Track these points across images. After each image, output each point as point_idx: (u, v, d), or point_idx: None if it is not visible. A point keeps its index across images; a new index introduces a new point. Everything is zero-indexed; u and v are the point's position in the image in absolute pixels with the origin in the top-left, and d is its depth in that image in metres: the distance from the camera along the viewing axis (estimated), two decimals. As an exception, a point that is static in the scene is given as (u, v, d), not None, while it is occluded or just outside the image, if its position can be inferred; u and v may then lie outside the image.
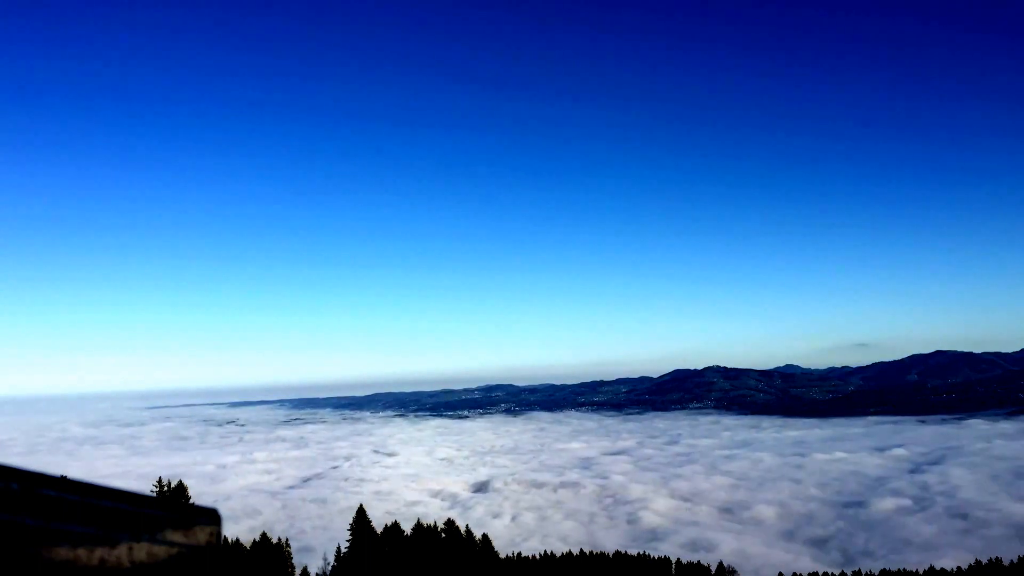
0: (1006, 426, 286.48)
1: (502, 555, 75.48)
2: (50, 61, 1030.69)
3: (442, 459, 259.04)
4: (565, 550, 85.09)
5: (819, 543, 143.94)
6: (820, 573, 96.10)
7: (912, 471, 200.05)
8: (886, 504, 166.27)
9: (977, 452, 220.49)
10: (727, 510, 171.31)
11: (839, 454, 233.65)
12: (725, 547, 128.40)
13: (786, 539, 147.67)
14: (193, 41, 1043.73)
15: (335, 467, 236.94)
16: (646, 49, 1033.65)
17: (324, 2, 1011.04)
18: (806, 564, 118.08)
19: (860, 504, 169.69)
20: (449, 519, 71.37)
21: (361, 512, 66.51)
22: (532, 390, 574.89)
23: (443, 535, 67.39)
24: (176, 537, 1.74)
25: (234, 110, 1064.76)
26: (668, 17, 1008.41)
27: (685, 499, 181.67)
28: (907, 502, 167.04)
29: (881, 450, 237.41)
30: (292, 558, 64.18)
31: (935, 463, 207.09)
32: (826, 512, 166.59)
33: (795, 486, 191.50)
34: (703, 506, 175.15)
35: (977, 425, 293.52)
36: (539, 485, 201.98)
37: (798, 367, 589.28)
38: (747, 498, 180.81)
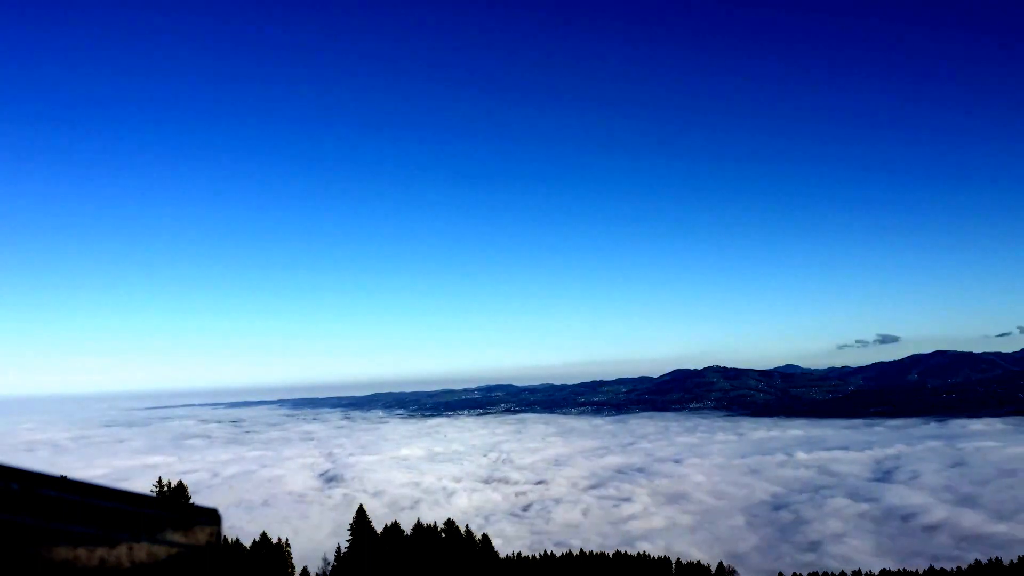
0: (1001, 427, 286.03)
1: (502, 555, 75.46)
2: (50, 63, 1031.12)
3: (439, 459, 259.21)
4: (565, 550, 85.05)
5: (726, 543, 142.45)
6: (820, 574, 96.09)
7: (878, 474, 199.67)
8: (831, 506, 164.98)
9: (955, 454, 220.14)
10: (636, 513, 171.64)
11: (803, 455, 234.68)
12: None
13: (691, 543, 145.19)
14: (190, 44, 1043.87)
15: (334, 467, 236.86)
16: (644, 51, 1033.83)
17: (322, 6, 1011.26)
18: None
19: (790, 506, 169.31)
20: (449, 519, 71.33)
21: (361, 512, 66.51)
22: (532, 390, 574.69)
23: (443, 535, 67.37)
24: (176, 537, 1.74)
25: (239, 115, 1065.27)
26: (664, 19, 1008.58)
27: (605, 500, 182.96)
28: (847, 504, 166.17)
29: (855, 450, 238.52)
30: (292, 558, 64.14)
31: (907, 465, 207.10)
32: (747, 516, 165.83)
33: (737, 489, 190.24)
34: (619, 508, 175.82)
35: (970, 426, 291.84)
36: (489, 482, 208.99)
37: (798, 367, 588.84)
38: (678, 498, 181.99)
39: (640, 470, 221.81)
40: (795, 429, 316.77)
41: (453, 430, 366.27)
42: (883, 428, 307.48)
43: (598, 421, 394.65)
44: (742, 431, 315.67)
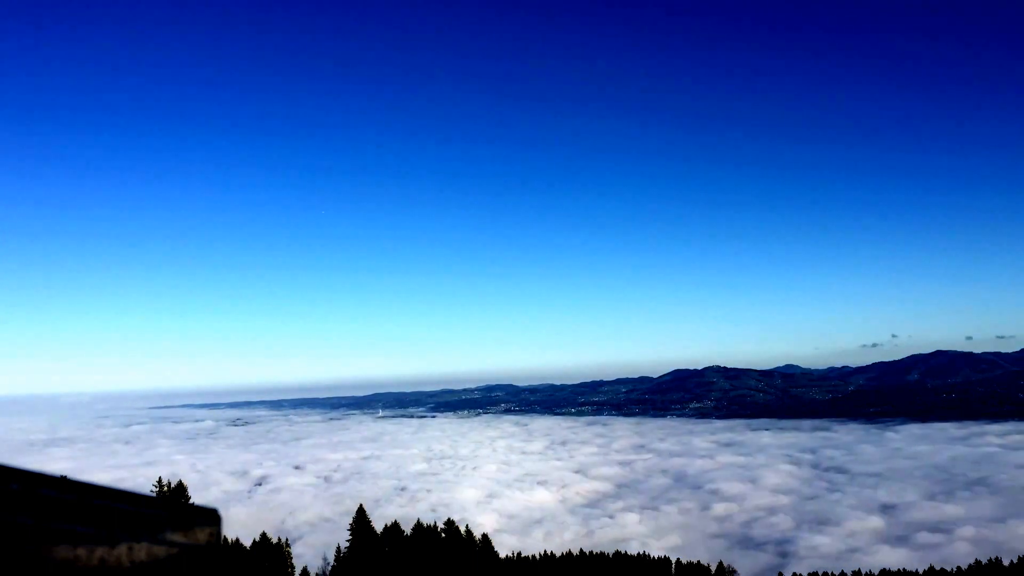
0: (956, 431, 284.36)
1: (502, 555, 75.48)
2: (51, 63, 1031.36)
3: (438, 459, 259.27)
4: (565, 550, 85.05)
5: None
6: (820, 573, 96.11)
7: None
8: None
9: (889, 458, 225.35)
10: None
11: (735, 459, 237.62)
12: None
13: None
14: (191, 44, 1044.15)
15: (334, 467, 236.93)
16: (644, 51, 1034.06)
17: (323, 6, 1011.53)
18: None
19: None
20: (449, 519, 71.39)
21: (361, 512, 66.55)
22: (532, 390, 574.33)
23: (443, 535, 67.39)
24: (176, 537, 1.75)
25: (241, 115, 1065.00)
26: (665, 19, 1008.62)
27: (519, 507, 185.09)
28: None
29: (788, 456, 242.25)
30: (292, 558, 64.14)
31: (834, 469, 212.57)
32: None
33: (628, 498, 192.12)
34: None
35: (955, 430, 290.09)
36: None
37: (798, 367, 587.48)
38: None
39: (577, 470, 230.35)
40: (728, 432, 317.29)
41: (453, 430, 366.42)
42: (828, 431, 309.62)
43: (582, 420, 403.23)
44: (725, 432, 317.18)
